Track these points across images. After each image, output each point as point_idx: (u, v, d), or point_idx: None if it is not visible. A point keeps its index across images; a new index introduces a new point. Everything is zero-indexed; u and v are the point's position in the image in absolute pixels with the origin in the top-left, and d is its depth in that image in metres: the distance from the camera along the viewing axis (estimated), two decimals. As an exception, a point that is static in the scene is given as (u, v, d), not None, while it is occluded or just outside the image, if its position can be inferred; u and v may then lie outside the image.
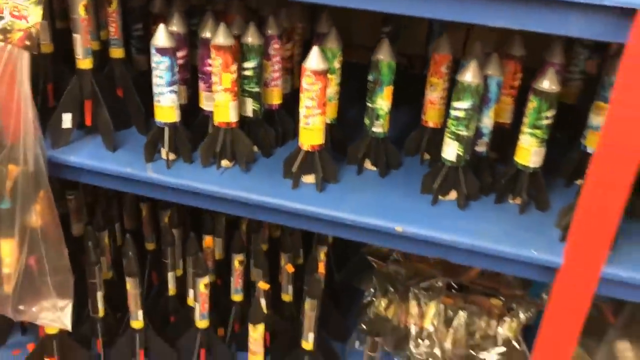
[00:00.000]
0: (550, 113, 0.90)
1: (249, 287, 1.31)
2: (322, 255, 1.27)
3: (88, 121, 1.05)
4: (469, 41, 1.01)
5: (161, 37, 0.93)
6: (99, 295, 1.19)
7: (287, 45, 1.10)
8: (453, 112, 0.92)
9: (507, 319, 1.27)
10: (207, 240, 1.27)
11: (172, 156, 1.02)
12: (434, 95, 1.04)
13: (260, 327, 1.07)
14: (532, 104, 0.90)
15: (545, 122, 0.90)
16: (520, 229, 0.92)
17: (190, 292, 1.25)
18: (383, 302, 1.36)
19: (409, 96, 1.15)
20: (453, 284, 1.32)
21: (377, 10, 0.80)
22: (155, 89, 0.97)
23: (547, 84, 0.88)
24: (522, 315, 1.26)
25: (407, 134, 1.11)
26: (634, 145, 0.74)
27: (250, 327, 1.08)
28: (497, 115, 1.07)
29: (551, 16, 0.73)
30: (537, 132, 0.91)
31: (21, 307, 1.04)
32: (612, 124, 0.75)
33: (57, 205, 1.01)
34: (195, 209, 1.37)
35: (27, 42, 0.87)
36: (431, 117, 1.06)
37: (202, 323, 1.21)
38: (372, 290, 1.39)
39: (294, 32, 1.13)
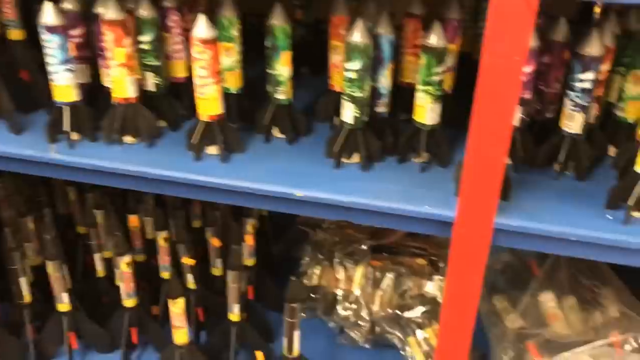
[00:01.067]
0: (440, 69, 0.90)
1: (178, 264, 1.31)
2: (249, 227, 1.27)
3: (-11, 105, 1.04)
4: (365, 1, 1.00)
5: (48, 15, 0.91)
6: (22, 281, 1.19)
7: (188, 16, 1.09)
8: (346, 74, 0.92)
9: (435, 277, 1.29)
10: (132, 219, 1.27)
11: (75, 136, 1.01)
12: (336, 58, 1.04)
13: (180, 302, 1.08)
14: (422, 60, 0.90)
15: (436, 78, 0.91)
16: (420, 186, 0.93)
17: (115, 272, 1.25)
18: (317, 270, 1.37)
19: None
20: (382, 247, 1.33)
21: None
22: (49, 68, 0.95)
23: (435, 39, 0.88)
24: (451, 274, 1.28)
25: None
26: (507, 94, 0.75)
27: (170, 302, 1.08)
28: (403, 75, 1.08)
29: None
30: (430, 88, 0.91)
31: None
32: (486, 72, 0.75)
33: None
34: (125, 190, 1.37)
35: None
36: (337, 81, 1.06)
37: (129, 302, 1.21)
38: (307, 259, 1.40)
39: (195, 2, 1.11)
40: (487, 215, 0.84)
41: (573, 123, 0.92)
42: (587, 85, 0.89)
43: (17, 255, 1.16)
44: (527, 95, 0.93)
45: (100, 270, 1.29)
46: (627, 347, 1.07)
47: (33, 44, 1.13)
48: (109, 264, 1.30)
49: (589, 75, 0.88)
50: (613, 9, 1.01)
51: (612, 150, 1.01)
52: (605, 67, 0.93)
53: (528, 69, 0.89)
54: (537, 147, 0.97)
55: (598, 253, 0.85)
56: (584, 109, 0.90)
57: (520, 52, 0.72)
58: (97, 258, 1.27)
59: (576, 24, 0.99)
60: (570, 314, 1.20)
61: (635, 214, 0.85)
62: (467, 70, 1.12)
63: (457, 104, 1.07)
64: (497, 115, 0.77)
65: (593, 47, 0.87)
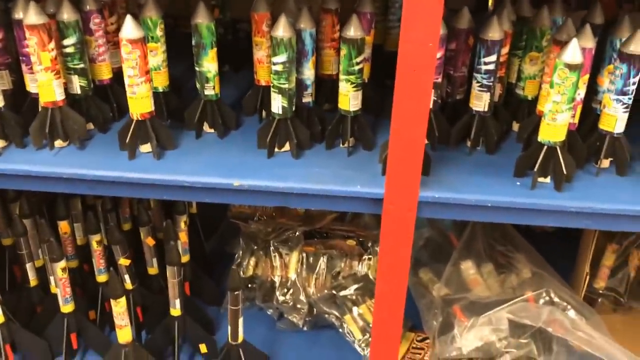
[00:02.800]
0: (360, 59, 0.97)
1: (116, 266, 1.31)
2: (182, 224, 1.29)
3: None
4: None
5: (-33, 21, 0.90)
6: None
7: (111, 19, 1.10)
8: (273, 67, 0.97)
9: (365, 257, 1.36)
10: (63, 225, 1.25)
11: (2, 143, 1.00)
12: (260, 54, 1.08)
13: (122, 301, 1.09)
14: (343, 51, 0.97)
15: (357, 67, 0.97)
16: (349, 169, 1.00)
17: (52, 279, 1.23)
18: (251, 261, 1.41)
19: (248, 58, 1.19)
20: (314, 232, 1.39)
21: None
22: (-29, 76, 0.94)
23: (353, 31, 0.95)
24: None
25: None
26: (424, 78, 0.82)
27: (112, 302, 1.09)
28: (323, 67, 1.14)
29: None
30: (351, 77, 0.98)
31: None
32: (404, 56, 0.82)
33: None
34: (50, 196, 1.35)
35: None
36: (262, 76, 1.11)
37: (66, 307, 1.20)
38: (240, 252, 1.44)
39: (116, 4, 1.12)
40: (412, 189, 0.92)
41: (481, 102, 1.02)
42: (491, 67, 0.98)
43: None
44: (439, 79, 1.01)
45: (32, 279, 1.27)
46: (541, 301, 1.19)
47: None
48: (41, 273, 1.28)
49: (492, 58, 0.98)
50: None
51: (515, 126, 1.12)
52: (505, 50, 1.04)
53: (438, 54, 0.98)
54: (450, 126, 1.06)
55: (511, 216, 0.95)
56: (489, 89, 1.00)
57: (433, 38, 0.80)
58: (29, 267, 1.25)
59: (475, 14, 1.09)
60: (489, 279, 1.31)
61: (541, 179, 0.95)
62: (380, 60, 1.21)
63: (374, 92, 1.15)
64: (416, 98, 0.84)
65: (494, 32, 0.96)
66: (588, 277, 1.30)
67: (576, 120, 0.99)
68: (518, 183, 0.96)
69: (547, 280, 1.26)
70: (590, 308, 1.24)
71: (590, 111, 1.06)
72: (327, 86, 1.14)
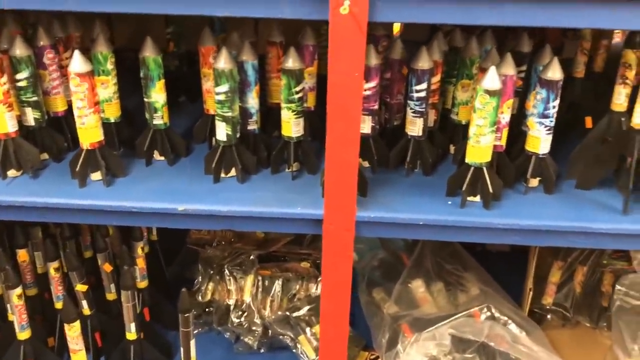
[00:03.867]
0: (299, 88, 1.03)
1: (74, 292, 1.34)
2: (139, 251, 1.33)
3: None
4: (229, 32, 1.12)
5: None
6: None
7: (65, 54, 1.15)
8: (216, 97, 1.02)
9: (320, 278, 1.40)
10: (21, 254, 1.28)
11: (-43, 174, 1.03)
12: (208, 84, 1.14)
13: (76, 325, 1.12)
14: (283, 81, 1.02)
15: (296, 96, 1.03)
16: (292, 192, 1.05)
17: (7, 307, 1.26)
18: (210, 286, 1.45)
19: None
20: (269, 256, 1.43)
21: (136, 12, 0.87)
22: None
23: (291, 62, 1.01)
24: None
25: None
26: (352, 105, 0.88)
27: (66, 326, 1.12)
28: (271, 97, 1.20)
29: (268, 3, 0.84)
30: (292, 106, 1.04)
31: None
32: (333, 88, 0.88)
33: None
34: (9, 225, 1.38)
35: None
36: (210, 105, 1.16)
37: (23, 334, 1.22)
38: (199, 277, 1.47)
39: (71, 40, 1.18)
40: (349, 210, 0.97)
41: (415, 127, 1.08)
42: (422, 94, 1.05)
43: None
44: (375, 106, 1.07)
45: (-10, 308, 1.29)
46: (483, 316, 1.23)
47: None
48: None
49: (423, 86, 1.04)
50: (441, 29, 1.19)
51: (452, 149, 1.18)
52: (436, 78, 1.10)
53: (373, 83, 1.04)
54: (389, 150, 1.12)
55: (442, 233, 1.01)
56: (422, 115, 1.07)
57: (358, 68, 0.86)
58: (-14, 297, 1.28)
59: (422, 44, 1.15)
60: (438, 297, 1.36)
61: (471, 198, 1.01)
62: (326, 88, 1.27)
63: (320, 119, 1.20)
64: (346, 124, 0.90)
65: (423, 62, 1.03)
66: (532, 292, 1.36)
67: (503, 142, 1.05)
68: (449, 202, 1.02)
69: (493, 297, 1.31)
70: (533, 323, 1.29)
71: (521, 134, 1.13)
72: (275, 114, 1.20)
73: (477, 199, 1.01)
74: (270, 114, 1.22)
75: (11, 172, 1.05)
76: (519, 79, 1.11)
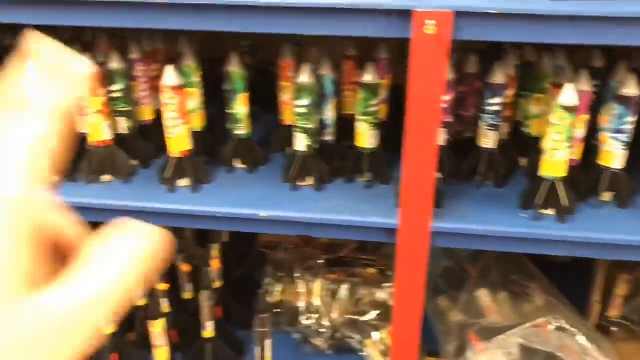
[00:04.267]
0: (375, 101, 1.07)
1: (151, 290, 1.42)
2: (215, 252, 1.39)
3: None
4: (308, 47, 1.17)
5: (30, 71, 1.03)
6: None
7: (152, 66, 1.23)
8: (297, 110, 1.07)
9: (385, 285, 1.44)
10: (106, 253, 1.37)
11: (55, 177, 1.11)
12: (286, 97, 1.19)
13: (160, 322, 1.19)
14: (360, 95, 1.07)
15: (373, 109, 1.07)
16: (366, 201, 1.09)
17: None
18: (278, 288, 1.50)
19: (276, 98, 1.30)
20: (337, 261, 1.48)
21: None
22: (31, 119, 1.06)
23: (369, 77, 1.05)
24: (399, 281, 1.44)
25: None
26: (431, 121, 0.92)
27: (151, 323, 1.19)
28: (344, 108, 1.24)
29: (349, 22, 0.88)
30: (368, 118, 1.08)
31: None
32: (413, 102, 0.92)
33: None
34: (94, 227, 1.47)
35: None
36: (287, 116, 1.22)
37: (108, 330, 1.30)
38: (268, 279, 1.53)
39: (158, 53, 1.25)
40: (425, 221, 1.01)
41: (489, 140, 1.10)
42: (497, 108, 1.07)
43: None
44: (449, 119, 1.10)
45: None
46: (551, 327, 1.24)
47: None
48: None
49: (497, 100, 1.07)
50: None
51: (523, 161, 1.20)
52: (510, 92, 1.12)
53: (448, 97, 1.07)
54: (461, 162, 1.15)
55: (517, 245, 1.03)
56: (496, 128, 1.09)
57: (439, 85, 0.89)
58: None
59: (487, 54, 1.18)
60: (503, 306, 1.37)
61: (544, 211, 1.03)
62: (398, 99, 1.30)
63: (393, 129, 1.24)
64: (425, 138, 0.93)
65: (498, 77, 1.05)
66: (599, 305, 1.36)
67: (578, 157, 1.07)
68: (523, 215, 1.04)
69: (559, 308, 1.32)
70: (601, 336, 1.29)
71: (593, 148, 1.14)
72: (348, 124, 1.24)
73: (551, 212, 1.03)
74: (342, 124, 1.26)
75: (105, 178, 1.13)
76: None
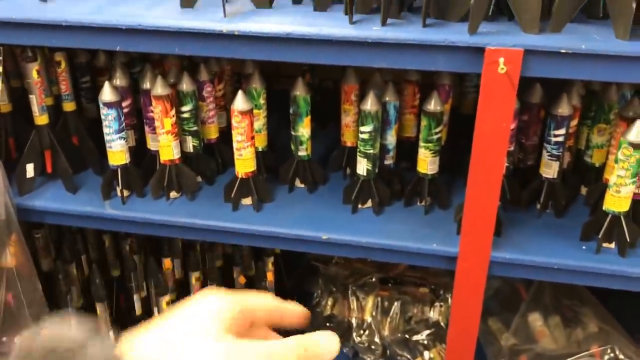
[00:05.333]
0: (439, 129, 1.08)
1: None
2: (269, 265, 1.43)
3: (49, 169, 1.20)
4: (370, 71, 1.19)
5: (107, 92, 1.08)
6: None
7: (219, 86, 1.27)
8: (360, 135, 1.09)
9: (436, 304, 1.45)
10: (166, 262, 1.42)
11: (126, 193, 1.17)
12: (347, 119, 1.22)
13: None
14: (423, 122, 1.08)
15: (435, 136, 1.09)
16: (425, 227, 1.11)
17: (155, 310, 1.39)
18: (329, 301, 1.53)
19: (333, 116, 1.33)
20: (389, 279, 1.50)
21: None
22: (106, 137, 1.12)
23: (433, 105, 1.07)
24: (450, 299, 1.45)
25: (332, 152, 1.29)
26: (497, 149, 0.93)
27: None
28: (403, 131, 1.26)
29: (424, 57, 0.90)
30: (430, 145, 1.09)
31: (4, 339, 1.17)
32: (480, 134, 0.93)
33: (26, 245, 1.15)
34: (152, 235, 1.52)
35: (-10, 109, 1.01)
36: (348, 138, 1.24)
37: (167, 336, 1.35)
38: (319, 292, 1.56)
39: (224, 74, 1.29)
40: (485, 250, 1.02)
41: (550, 170, 1.10)
42: (560, 139, 1.07)
43: (68, 298, 1.30)
44: (511, 147, 1.11)
45: (138, 308, 1.43)
46: (606, 357, 1.24)
47: (81, 112, 1.30)
48: (145, 303, 1.45)
49: (561, 131, 1.07)
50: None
51: (583, 190, 1.20)
52: (574, 122, 1.12)
53: (511, 126, 1.08)
54: (521, 190, 1.15)
55: (576, 278, 1.03)
56: (558, 158, 1.09)
57: (507, 119, 0.91)
58: (136, 298, 1.42)
59: (551, 83, 1.18)
60: (555, 331, 1.37)
61: (605, 244, 1.03)
62: (456, 123, 1.31)
63: (451, 153, 1.25)
64: (489, 169, 0.95)
65: (563, 108, 1.06)
66: (656, 335, 1.34)
67: (641, 190, 1.06)
68: (584, 247, 1.04)
69: (613, 336, 1.31)
70: (657, 366, 1.28)
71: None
72: (406, 147, 1.26)
73: (612, 245, 1.03)
74: (401, 146, 1.28)
75: (172, 194, 1.17)
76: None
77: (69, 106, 1.24)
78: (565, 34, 0.88)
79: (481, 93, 0.89)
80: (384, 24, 0.92)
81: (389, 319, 1.44)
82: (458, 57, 0.89)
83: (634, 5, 0.82)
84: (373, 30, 0.89)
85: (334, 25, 0.92)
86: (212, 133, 1.25)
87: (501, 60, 0.85)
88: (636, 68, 0.84)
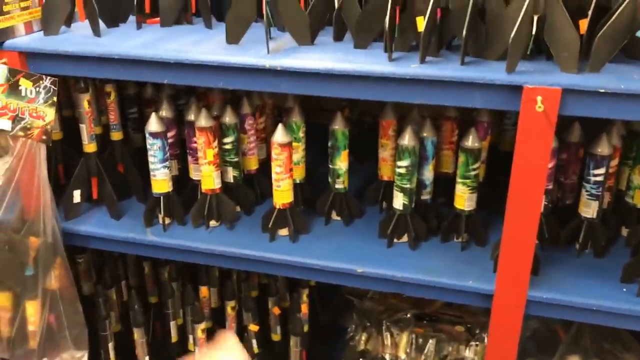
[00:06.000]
0: (476, 165, 1.09)
1: (242, 330, 1.47)
2: (304, 297, 1.43)
3: (95, 195, 1.24)
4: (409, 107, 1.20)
5: (153, 123, 1.12)
6: (110, 345, 1.36)
7: (260, 119, 1.30)
8: (397, 170, 1.11)
9: (472, 343, 1.43)
10: (203, 290, 1.44)
11: (167, 220, 1.20)
12: (385, 154, 1.23)
13: (251, 362, 1.24)
14: (461, 159, 1.09)
15: (473, 172, 1.09)
16: (462, 263, 1.10)
17: (190, 337, 1.41)
18: (363, 336, 1.52)
19: (370, 150, 1.34)
20: (424, 315, 1.48)
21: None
22: (151, 166, 1.16)
23: (471, 141, 1.07)
24: (486, 339, 1.42)
25: (369, 185, 1.30)
26: (535, 187, 0.93)
27: (243, 363, 1.24)
28: (441, 166, 1.26)
29: (461, 94, 0.92)
30: (468, 181, 1.10)
31: (44, 359, 1.20)
32: (518, 171, 0.93)
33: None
34: (191, 263, 1.55)
35: (44, 137, 1.06)
36: (385, 172, 1.25)
37: (201, 365, 1.37)
38: (353, 326, 1.55)
39: (265, 107, 1.32)
40: (522, 288, 1.01)
41: (589, 209, 1.09)
42: (600, 178, 1.06)
43: (108, 322, 1.33)
44: (550, 185, 1.10)
45: (174, 335, 1.45)
46: (648, 405, 1.19)
47: (127, 141, 1.35)
48: (181, 331, 1.46)
49: (601, 171, 1.06)
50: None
51: (624, 231, 1.17)
52: (614, 162, 1.11)
53: (550, 164, 1.07)
54: (560, 228, 1.14)
55: (616, 321, 1.01)
56: (597, 197, 1.08)
57: (545, 157, 0.90)
58: (172, 325, 1.44)
59: (591, 121, 1.17)
60: (595, 376, 1.33)
61: (647, 287, 1.01)
62: (495, 159, 1.31)
63: (489, 189, 1.25)
64: (527, 208, 0.94)
65: (603, 148, 1.05)
66: (702, 385, 1.29)
67: (685, 233, 1.04)
68: (624, 289, 1.02)
69: (657, 384, 1.26)
70: None
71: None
72: (443, 183, 1.26)
73: (654, 288, 1.00)
74: (439, 181, 1.28)
75: (212, 223, 1.20)
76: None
77: (116, 135, 1.29)
78: (604, 74, 0.88)
79: (519, 131, 0.90)
80: (422, 61, 0.94)
81: (423, 357, 1.42)
82: (495, 94, 0.90)
83: (675, 46, 0.82)
84: (411, 67, 0.91)
85: (373, 62, 0.94)
86: (252, 164, 1.28)
87: (539, 98, 0.86)
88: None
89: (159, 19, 1.19)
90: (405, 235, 1.15)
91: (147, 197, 1.23)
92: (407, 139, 1.08)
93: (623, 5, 0.87)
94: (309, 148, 1.24)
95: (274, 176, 1.12)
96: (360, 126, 1.55)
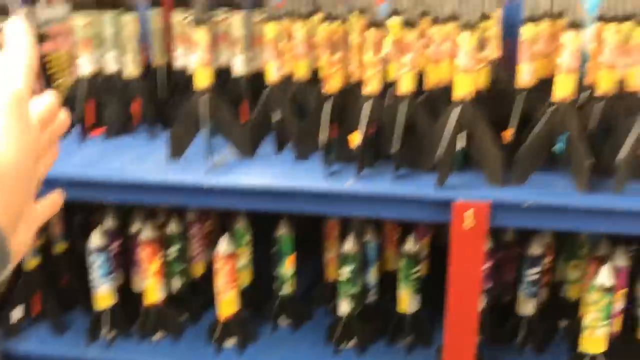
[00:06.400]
0: (417, 268, 1.12)
1: None
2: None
3: (36, 311, 1.22)
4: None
5: (96, 239, 1.12)
6: None
7: (206, 223, 1.31)
8: (341, 276, 1.13)
9: None
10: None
11: (111, 334, 1.18)
12: (329, 255, 1.25)
13: None
14: (402, 263, 1.12)
15: (414, 276, 1.12)
16: (408, 366, 1.11)
17: None
18: None
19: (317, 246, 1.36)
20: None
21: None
22: (94, 282, 1.14)
23: (410, 246, 1.11)
24: None
25: (317, 283, 1.31)
26: (471, 290, 0.96)
27: None
28: (386, 265, 1.29)
29: (396, 208, 0.95)
30: (410, 284, 1.12)
31: None
32: (454, 279, 0.96)
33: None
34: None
35: None
36: (330, 273, 1.27)
37: None
38: None
39: (211, 212, 1.34)
40: (466, 391, 1.02)
41: (527, 307, 1.13)
42: (535, 277, 1.11)
43: None
44: (488, 284, 1.14)
45: None
46: None
47: (71, 252, 1.33)
48: None
49: (536, 270, 1.10)
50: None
51: (562, 324, 1.21)
52: (548, 259, 1.16)
53: (485, 265, 1.11)
54: (500, 326, 1.17)
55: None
56: (534, 295, 1.12)
57: (478, 266, 0.94)
58: None
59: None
60: None
61: (585, 384, 1.03)
62: (438, 252, 1.34)
63: (433, 283, 1.27)
64: (466, 310, 0.97)
65: (535, 249, 1.10)
66: None
67: (617, 328, 1.08)
68: (565, 386, 1.05)
69: None
70: None
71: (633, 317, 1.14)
72: (390, 281, 1.28)
73: (592, 384, 1.03)
74: (384, 280, 1.29)
75: (157, 336, 1.18)
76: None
77: (59, 247, 1.27)
78: (529, 186, 0.93)
79: (451, 242, 0.93)
80: (358, 174, 0.97)
81: None
82: (428, 209, 0.94)
83: (587, 165, 0.88)
84: (346, 184, 0.95)
85: (311, 177, 0.98)
86: (199, 270, 1.28)
87: (469, 213, 0.90)
88: (595, 220, 0.88)
89: (104, 128, 1.20)
90: (353, 339, 1.16)
91: (92, 311, 1.21)
92: (349, 246, 1.10)
93: (543, 121, 0.93)
94: (256, 251, 1.25)
95: (219, 288, 1.12)
96: (307, 223, 1.57)
